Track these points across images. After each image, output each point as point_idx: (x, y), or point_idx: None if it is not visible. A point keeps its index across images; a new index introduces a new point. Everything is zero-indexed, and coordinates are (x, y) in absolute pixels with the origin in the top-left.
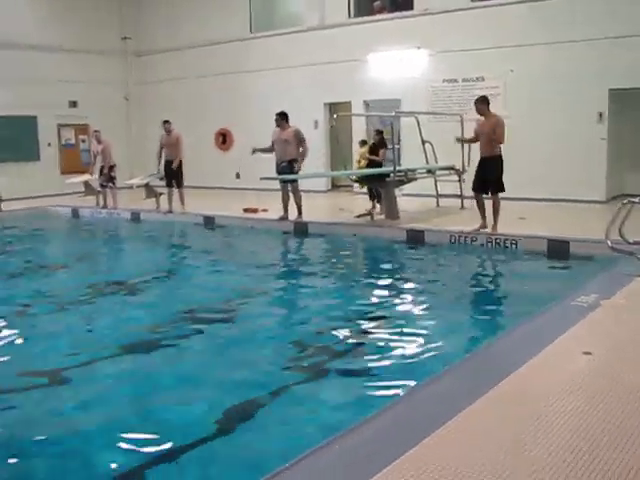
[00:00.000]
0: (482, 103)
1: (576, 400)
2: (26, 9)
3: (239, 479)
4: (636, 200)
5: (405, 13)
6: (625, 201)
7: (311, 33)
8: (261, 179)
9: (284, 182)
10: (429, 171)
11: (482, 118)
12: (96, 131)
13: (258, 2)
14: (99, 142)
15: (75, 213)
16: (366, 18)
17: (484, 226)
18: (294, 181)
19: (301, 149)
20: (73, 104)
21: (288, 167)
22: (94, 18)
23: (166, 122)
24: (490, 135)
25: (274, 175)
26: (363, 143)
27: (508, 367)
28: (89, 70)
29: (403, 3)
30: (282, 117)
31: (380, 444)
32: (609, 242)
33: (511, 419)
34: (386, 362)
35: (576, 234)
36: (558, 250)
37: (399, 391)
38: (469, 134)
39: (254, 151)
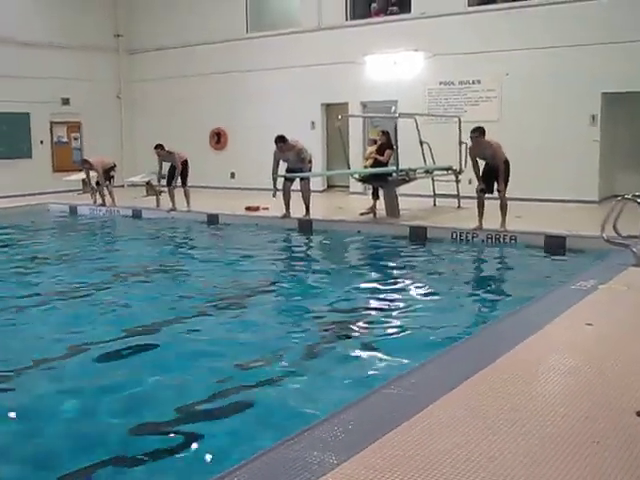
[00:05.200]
0: (482, 135)
1: (577, 359)
2: (18, 5)
3: None
4: (629, 197)
5: (402, 16)
6: (619, 198)
7: (308, 34)
8: (278, 176)
9: (290, 180)
10: (427, 171)
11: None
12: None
13: (255, 2)
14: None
15: (73, 210)
16: (363, 20)
17: (480, 227)
18: (306, 179)
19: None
20: (66, 101)
21: (300, 170)
22: (87, 15)
23: (157, 147)
24: (493, 159)
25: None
26: (373, 142)
27: (518, 337)
28: (81, 67)
29: (401, 6)
30: (283, 140)
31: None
32: (604, 235)
33: (520, 377)
34: (399, 340)
35: (571, 231)
36: (555, 245)
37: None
38: (466, 136)
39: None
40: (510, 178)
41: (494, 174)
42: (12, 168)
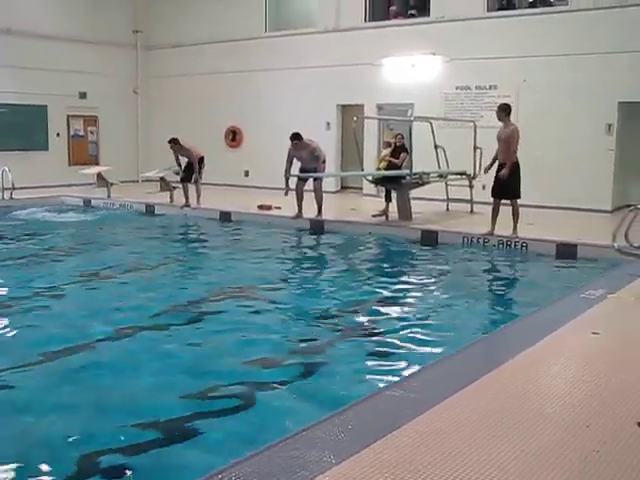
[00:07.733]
0: (501, 111)
1: (580, 367)
2: None
3: None
4: None
5: (421, 19)
6: (631, 208)
7: (326, 35)
8: (290, 176)
9: (303, 180)
10: (440, 175)
11: (501, 124)
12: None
13: (274, 1)
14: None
15: (87, 204)
16: (381, 22)
17: (491, 232)
18: (319, 179)
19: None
20: (83, 95)
21: (314, 171)
22: (106, 10)
23: (171, 142)
24: (505, 144)
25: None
26: (388, 145)
27: (524, 343)
28: (99, 62)
29: (419, 9)
30: (299, 138)
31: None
32: (616, 245)
33: (523, 383)
34: (404, 344)
35: (582, 239)
36: (566, 253)
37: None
38: (481, 141)
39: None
40: (522, 184)
41: (505, 183)
42: (28, 160)
